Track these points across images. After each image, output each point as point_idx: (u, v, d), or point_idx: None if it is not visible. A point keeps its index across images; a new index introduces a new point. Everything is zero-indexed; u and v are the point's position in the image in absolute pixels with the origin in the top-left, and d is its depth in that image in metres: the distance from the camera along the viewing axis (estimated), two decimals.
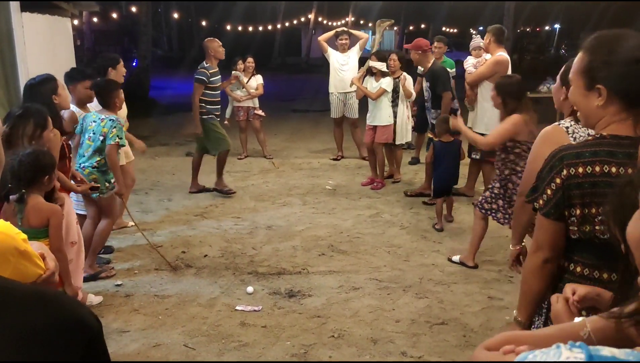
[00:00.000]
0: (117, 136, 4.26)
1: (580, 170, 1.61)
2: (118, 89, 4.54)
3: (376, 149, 6.84)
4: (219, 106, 6.64)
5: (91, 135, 4.33)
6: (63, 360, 0.79)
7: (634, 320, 0.75)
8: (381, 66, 6.65)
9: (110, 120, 4.31)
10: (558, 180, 1.63)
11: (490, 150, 4.38)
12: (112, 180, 4.36)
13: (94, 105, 4.59)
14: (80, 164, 4.33)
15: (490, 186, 4.39)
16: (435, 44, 7.70)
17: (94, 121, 4.35)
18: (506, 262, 4.37)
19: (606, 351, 0.74)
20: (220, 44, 6.55)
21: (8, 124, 3.27)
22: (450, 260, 4.68)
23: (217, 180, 6.67)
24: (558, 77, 2.54)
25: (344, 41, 8.01)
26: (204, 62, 6.51)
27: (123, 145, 4.48)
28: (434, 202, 5.68)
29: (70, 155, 4.04)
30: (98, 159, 4.31)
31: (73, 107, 4.39)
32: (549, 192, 1.66)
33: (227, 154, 6.67)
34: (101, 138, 4.28)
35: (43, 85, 3.85)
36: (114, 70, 5.16)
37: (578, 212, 1.62)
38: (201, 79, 6.38)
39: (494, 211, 4.30)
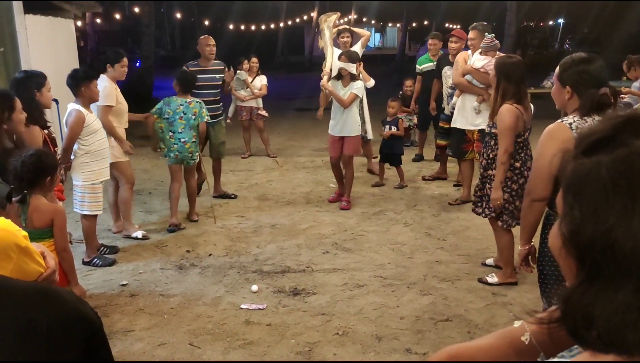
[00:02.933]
0: (206, 115, 5.38)
1: None
2: (195, 78, 5.61)
3: (346, 163, 6.00)
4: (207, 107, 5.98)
5: (182, 115, 5.28)
6: (65, 354, 0.81)
7: (560, 327, 0.76)
8: (351, 68, 5.78)
9: (197, 102, 5.35)
10: None
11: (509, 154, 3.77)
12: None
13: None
14: (180, 139, 5.29)
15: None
16: (430, 41, 7.74)
17: (181, 105, 5.29)
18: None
19: None
20: (208, 42, 6.23)
21: None
22: (485, 282, 4.17)
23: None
24: (556, 79, 2.54)
25: (345, 39, 7.98)
26: (194, 60, 6.31)
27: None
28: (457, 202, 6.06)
29: (56, 148, 4.06)
30: (194, 133, 5.33)
31: (77, 106, 4.41)
32: None
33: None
34: (193, 117, 5.28)
35: (29, 79, 3.92)
36: (112, 68, 5.05)
37: None
38: None
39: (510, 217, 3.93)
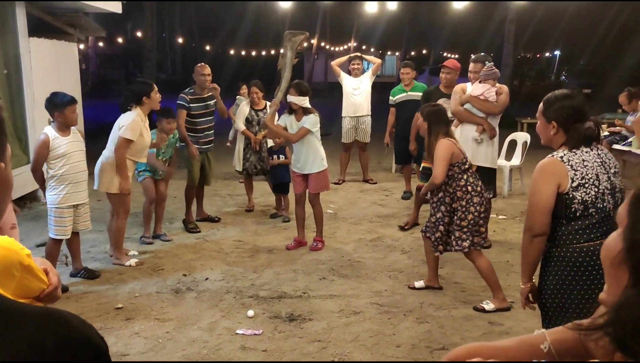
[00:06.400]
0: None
1: None
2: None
3: (312, 202, 5.57)
4: (202, 134, 6.17)
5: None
6: None
7: (597, 335, 0.79)
8: (302, 101, 5.33)
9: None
10: None
11: (441, 183, 4.20)
12: None
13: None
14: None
15: (433, 213, 4.34)
16: (403, 70, 7.42)
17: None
18: (507, 287, 4.38)
19: None
20: (204, 72, 6.08)
21: None
22: (413, 288, 4.57)
23: (186, 212, 6.31)
24: (541, 115, 2.60)
25: (356, 66, 8.14)
26: (190, 88, 6.16)
27: None
28: None
29: None
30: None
31: (47, 130, 4.46)
32: None
33: (192, 191, 6.32)
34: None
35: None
36: (148, 98, 5.05)
37: None
38: (179, 104, 6.02)
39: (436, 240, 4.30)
